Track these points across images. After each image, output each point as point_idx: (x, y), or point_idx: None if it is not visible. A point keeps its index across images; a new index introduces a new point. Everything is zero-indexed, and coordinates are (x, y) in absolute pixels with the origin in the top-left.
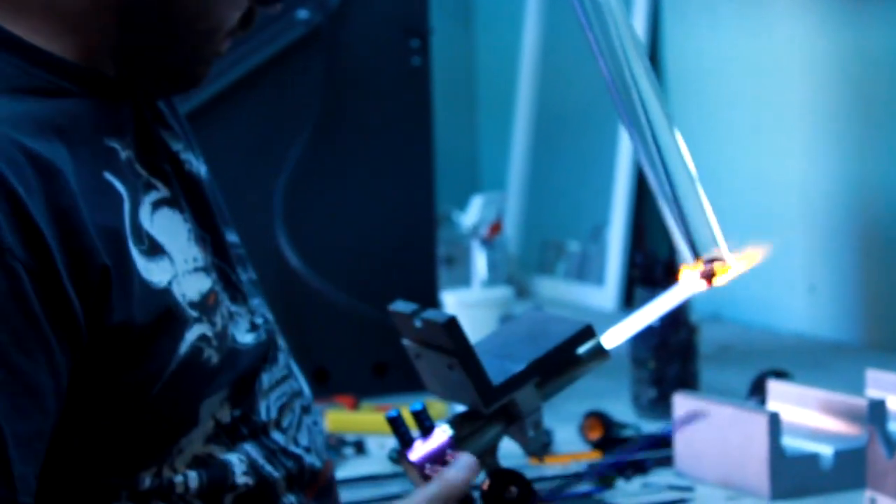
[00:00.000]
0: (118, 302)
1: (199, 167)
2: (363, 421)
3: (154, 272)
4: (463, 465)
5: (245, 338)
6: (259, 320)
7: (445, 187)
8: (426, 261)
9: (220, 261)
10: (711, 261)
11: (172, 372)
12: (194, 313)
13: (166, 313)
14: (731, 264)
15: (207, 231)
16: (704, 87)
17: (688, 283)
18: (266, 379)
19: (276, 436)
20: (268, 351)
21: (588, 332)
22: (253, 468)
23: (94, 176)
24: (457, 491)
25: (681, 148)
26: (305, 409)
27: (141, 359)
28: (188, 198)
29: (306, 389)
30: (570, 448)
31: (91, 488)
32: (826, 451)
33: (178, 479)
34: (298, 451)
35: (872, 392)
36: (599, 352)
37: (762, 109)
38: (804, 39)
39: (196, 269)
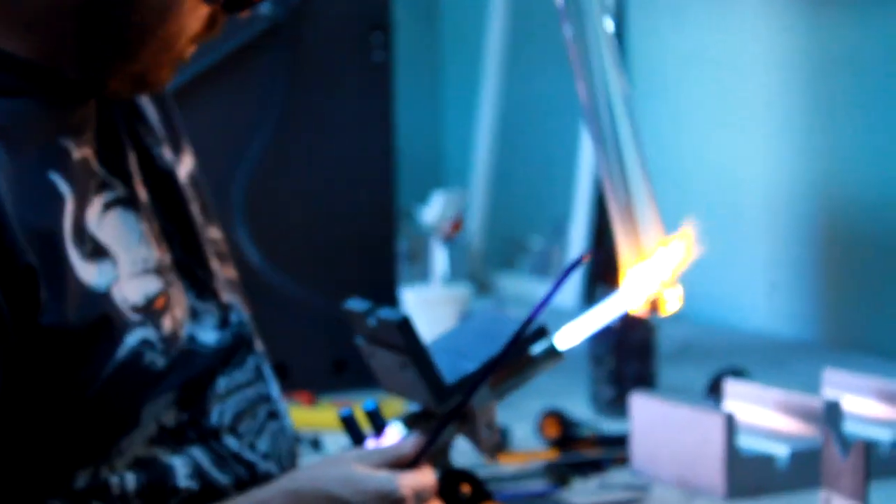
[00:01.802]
0: (50, 303)
1: (177, 161)
2: (320, 417)
3: (94, 275)
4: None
5: (208, 336)
6: (233, 318)
7: (409, 183)
8: (386, 257)
9: (188, 256)
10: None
11: (109, 375)
12: (136, 317)
13: (103, 317)
14: (674, 298)
15: (176, 227)
16: (668, 83)
17: (630, 302)
18: (223, 383)
19: (229, 441)
20: (231, 354)
21: (542, 333)
22: (198, 473)
23: (35, 176)
24: (405, 449)
25: (646, 173)
26: (272, 415)
27: (76, 361)
28: (156, 194)
29: (276, 394)
30: (528, 446)
31: (26, 486)
32: (782, 451)
33: (115, 479)
34: (254, 457)
35: (829, 391)
36: (553, 353)
37: (725, 107)
38: (768, 37)
39: (145, 272)
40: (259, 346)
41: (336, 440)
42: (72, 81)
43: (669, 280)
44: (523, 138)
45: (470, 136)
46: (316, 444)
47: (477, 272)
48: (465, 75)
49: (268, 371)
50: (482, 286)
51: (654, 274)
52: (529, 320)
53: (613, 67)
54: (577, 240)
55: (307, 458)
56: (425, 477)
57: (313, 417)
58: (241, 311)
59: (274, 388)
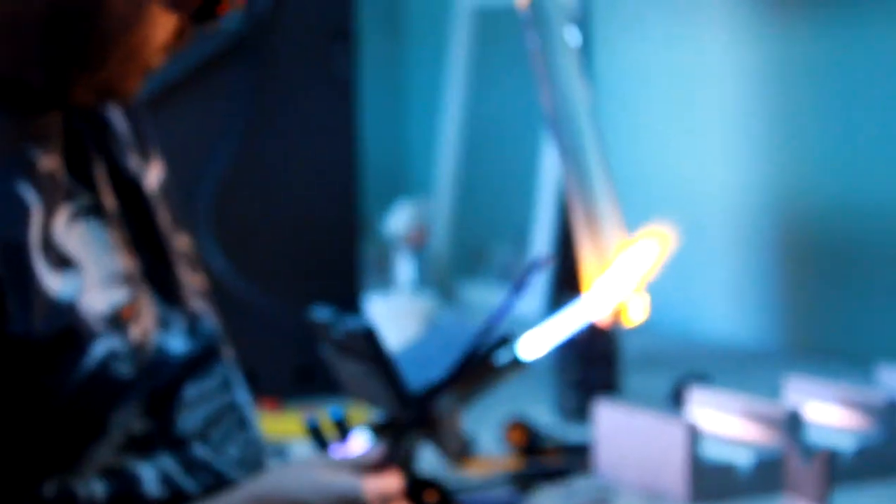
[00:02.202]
0: (15, 313)
1: (145, 170)
2: (285, 425)
3: (60, 285)
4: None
5: (176, 345)
6: (202, 326)
7: (374, 192)
8: (350, 266)
9: (156, 265)
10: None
11: (76, 385)
12: (104, 327)
13: (70, 327)
14: (638, 308)
15: (144, 236)
16: (631, 94)
17: (594, 311)
18: (191, 391)
19: (199, 449)
20: (199, 363)
21: (507, 342)
22: (167, 481)
23: (0, 186)
24: (371, 458)
25: (609, 181)
26: (240, 424)
27: (42, 371)
28: (123, 202)
29: (245, 402)
30: (493, 454)
31: None
32: (745, 458)
33: (83, 488)
34: (222, 466)
35: (792, 398)
36: (516, 363)
37: (687, 117)
38: (729, 49)
39: (113, 281)
40: (228, 353)
41: (302, 447)
42: (36, 91)
43: (636, 288)
44: (487, 148)
45: (434, 145)
46: (281, 452)
47: (442, 281)
48: (429, 86)
49: (237, 379)
50: (447, 295)
51: (619, 282)
52: (488, 328)
53: (577, 76)
54: (541, 248)
55: (272, 465)
56: (391, 482)
57: (279, 425)
58: (209, 320)
59: (243, 397)
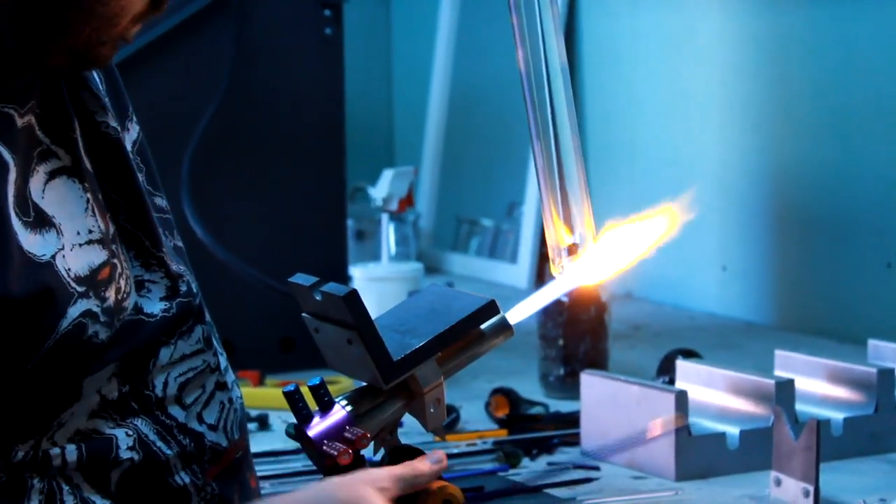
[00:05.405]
0: None
1: (123, 130)
2: (267, 396)
3: (37, 245)
4: (435, 460)
5: (154, 307)
6: (183, 287)
7: (360, 161)
8: (336, 234)
9: (133, 227)
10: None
11: (51, 347)
12: (80, 288)
13: (47, 288)
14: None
15: (122, 196)
16: (621, 64)
17: (570, 278)
18: (166, 353)
19: (175, 412)
20: (177, 325)
21: (491, 308)
22: (141, 444)
23: None
24: (423, 480)
25: (579, 154)
26: (220, 386)
27: (16, 331)
28: (100, 162)
29: (224, 365)
30: (477, 426)
31: None
32: (732, 430)
33: (55, 451)
34: (200, 428)
35: (780, 373)
36: (503, 328)
37: (678, 88)
38: (723, 18)
39: (90, 242)
40: (208, 317)
41: (284, 418)
42: (11, 50)
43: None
44: (476, 118)
45: (423, 114)
46: (263, 423)
47: (426, 251)
48: (418, 53)
49: (216, 341)
50: (432, 266)
51: (589, 251)
52: (474, 295)
53: (553, 35)
54: (529, 221)
55: (254, 437)
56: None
57: (260, 396)
58: (191, 280)
59: (223, 360)
